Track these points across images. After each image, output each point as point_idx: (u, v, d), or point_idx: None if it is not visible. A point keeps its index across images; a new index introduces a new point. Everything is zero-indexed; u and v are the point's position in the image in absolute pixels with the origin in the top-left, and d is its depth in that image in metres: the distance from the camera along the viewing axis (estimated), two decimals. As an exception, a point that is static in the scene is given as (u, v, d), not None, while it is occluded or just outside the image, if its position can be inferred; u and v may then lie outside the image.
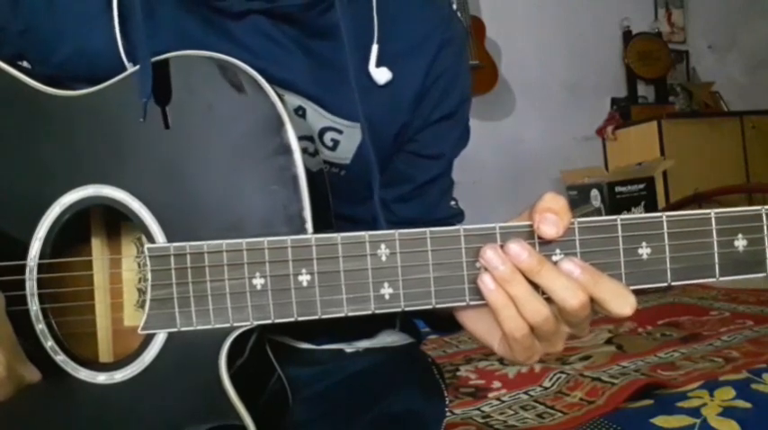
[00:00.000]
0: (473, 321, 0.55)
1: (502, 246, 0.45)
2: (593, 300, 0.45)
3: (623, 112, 3.65)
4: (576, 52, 3.56)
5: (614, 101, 3.73)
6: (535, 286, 0.45)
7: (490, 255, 0.45)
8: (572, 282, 0.44)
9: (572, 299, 0.44)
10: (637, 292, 0.45)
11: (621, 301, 0.45)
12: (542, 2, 3.47)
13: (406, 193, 0.71)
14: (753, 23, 4.06)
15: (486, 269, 0.45)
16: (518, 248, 0.44)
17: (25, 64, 0.63)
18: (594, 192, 2.91)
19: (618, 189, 2.88)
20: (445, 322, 0.62)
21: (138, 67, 0.53)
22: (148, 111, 0.52)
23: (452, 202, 0.76)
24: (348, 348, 0.71)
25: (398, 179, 0.70)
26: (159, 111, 0.52)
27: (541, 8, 3.46)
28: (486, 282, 0.45)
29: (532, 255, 0.44)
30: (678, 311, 2.15)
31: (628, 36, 3.74)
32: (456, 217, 0.76)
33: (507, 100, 3.38)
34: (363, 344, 0.72)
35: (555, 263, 0.45)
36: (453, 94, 0.69)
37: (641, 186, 2.92)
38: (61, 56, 0.60)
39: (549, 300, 0.46)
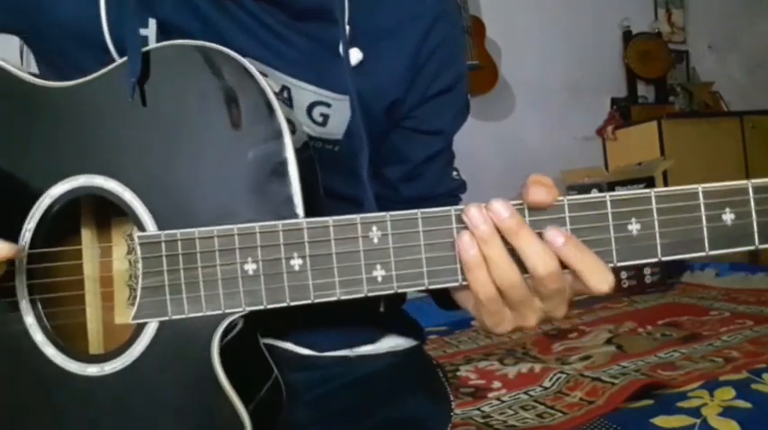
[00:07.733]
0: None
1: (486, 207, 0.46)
2: (574, 273, 0.46)
3: (623, 112, 3.65)
4: (576, 52, 3.56)
5: (614, 101, 3.72)
6: (512, 252, 0.46)
7: (473, 212, 0.46)
8: (545, 250, 0.45)
9: (540, 265, 0.45)
10: (637, 291, 0.45)
11: (600, 277, 0.46)
12: (542, 2, 3.46)
13: (408, 172, 0.71)
14: (753, 23, 4.06)
15: (466, 227, 0.46)
16: (500, 207, 0.45)
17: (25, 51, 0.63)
18: (594, 192, 2.91)
19: (618, 189, 2.88)
20: (446, 298, 0.61)
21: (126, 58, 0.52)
22: (137, 99, 0.51)
23: (454, 173, 0.75)
24: (351, 354, 0.69)
25: (400, 157, 0.70)
26: (149, 98, 0.51)
27: (541, 8, 3.45)
28: (464, 239, 0.46)
29: (513, 216, 0.45)
30: (678, 311, 2.15)
31: (628, 36, 3.74)
32: (458, 189, 0.75)
33: (507, 100, 3.38)
34: (367, 349, 0.70)
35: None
36: (450, 67, 0.68)
37: (641, 186, 2.91)
38: (53, 31, 0.59)
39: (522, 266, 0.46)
